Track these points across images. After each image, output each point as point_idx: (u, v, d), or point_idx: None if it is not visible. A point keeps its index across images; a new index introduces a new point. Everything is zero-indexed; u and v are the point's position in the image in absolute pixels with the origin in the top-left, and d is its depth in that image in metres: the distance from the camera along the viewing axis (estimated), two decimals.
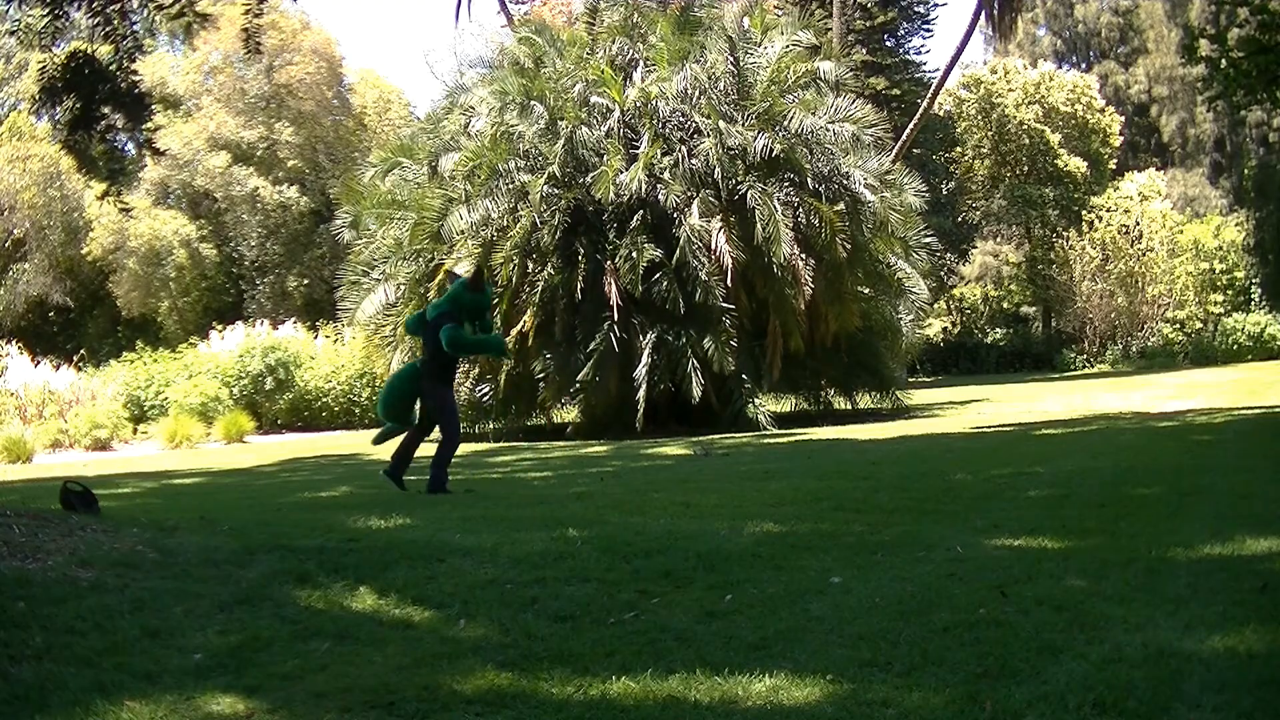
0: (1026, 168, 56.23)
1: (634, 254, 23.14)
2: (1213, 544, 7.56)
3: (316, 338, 34.35)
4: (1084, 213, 53.45)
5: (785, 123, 24.84)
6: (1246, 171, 61.68)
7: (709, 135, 24.15)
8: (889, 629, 5.83)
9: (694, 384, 23.08)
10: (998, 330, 58.16)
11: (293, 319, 37.70)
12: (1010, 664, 5.16)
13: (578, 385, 23.52)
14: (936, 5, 56.23)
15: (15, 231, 48.19)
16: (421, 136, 29.34)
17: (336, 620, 6.28)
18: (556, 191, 23.98)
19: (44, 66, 9.72)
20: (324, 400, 32.02)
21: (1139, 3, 75.91)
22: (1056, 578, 6.82)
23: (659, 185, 23.81)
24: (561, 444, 22.40)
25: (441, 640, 5.92)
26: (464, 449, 22.27)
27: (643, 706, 4.86)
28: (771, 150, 24.08)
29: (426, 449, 13.05)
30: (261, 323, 35.47)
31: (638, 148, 24.42)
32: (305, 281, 46.77)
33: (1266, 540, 7.61)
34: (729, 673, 5.16)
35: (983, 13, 40.59)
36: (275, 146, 47.69)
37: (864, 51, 47.38)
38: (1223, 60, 17.31)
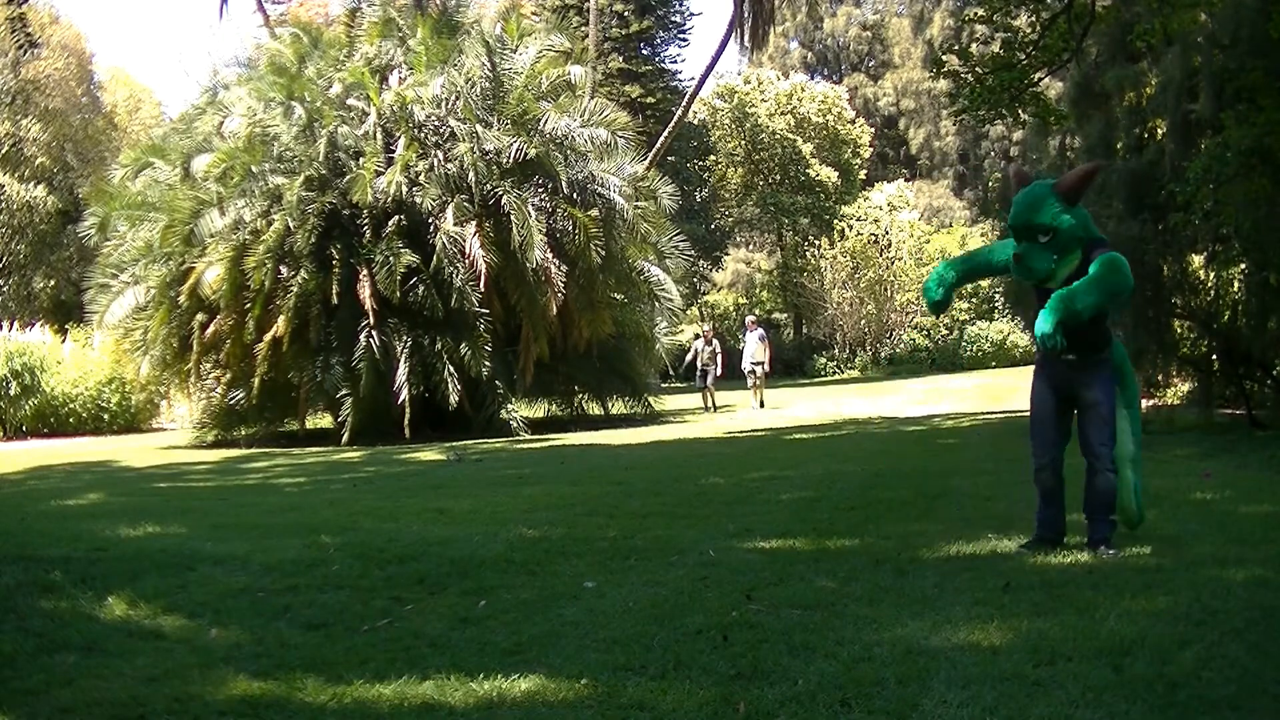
0: (779, 176, 57.19)
1: (390, 259, 23.09)
2: (958, 545, 7.88)
3: (64, 341, 33.38)
4: (835, 221, 54.54)
5: (539, 126, 25.05)
6: (990, 184, 63.85)
7: (465, 139, 24.22)
8: (642, 633, 5.91)
9: (450, 390, 23.17)
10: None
11: (40, 321, 36.54)
12: (763, 666, 5.24)
13: (333, 391, 23.38)
14: (692, 15, 57.22)
15: None
16: (174, 137, 28.65)
17: (84, 632, 6.11)
18: (311, 194, 23.64)
19: None
20: (71, 406, 31.17)
21: (886, 19, 78.13)
22: (808, 580, 6.98)
23: (415, 189, 23.78)
24: (317, 450, 22.12)
25: (193, 650, 5.83)
26: (216, 455, 22.06)
27: (399, 713, 4.86)
28: (525, 154, 24.23)
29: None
30: (10, 327, 34.22)
31: (395, 151, 24.39)
32: (53, 283, 45.47)
33: (1009, 540, 7.95)
34: (484, 678, 5.19)
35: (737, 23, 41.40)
36: (21, 144, 46.29)
37: (620, 59, 47.94)
38: (969, 76, 18.00)
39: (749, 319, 34.77)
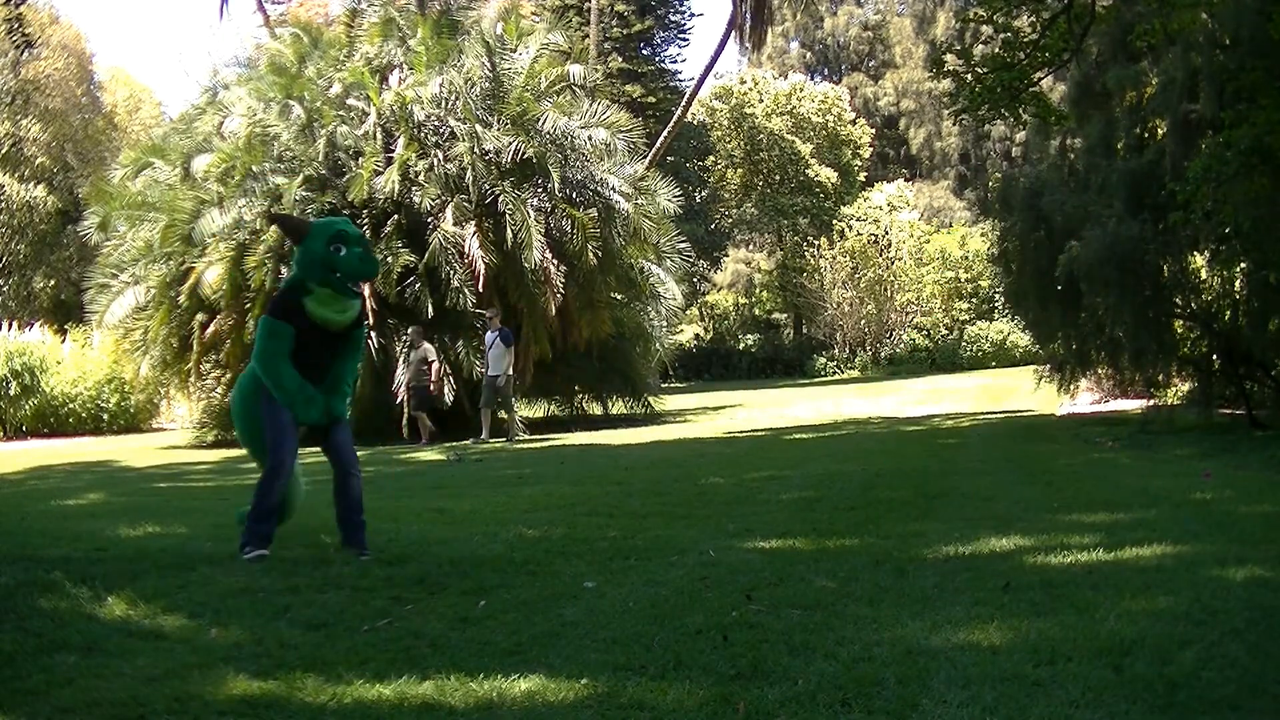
0: (778, 177, 57.29)
1: (389, 258, 23.07)
2: (958, 544, 7.86)
3: (64, 341, 33.36)
4: (834, 221, 54.58)
5: (539, 126, 25.11)
6: (990, 184, 63.71)
7: (464, 139, 24.23)
8: (643, 633, 5.86)
9: (447, 389, 23.18)
10: (749, 337, 59.09)
11: (40, 321, 36.55)
12: (763, 665, 5.19)
13: None
14: (693, 15, 57.24)
15: None
16: (174, 136, 28.67)
17: (84, 632, 5.97)
18: (311, 194, 23.66)
19: None
20: (71, 406, 31.17)
21: (888, 18, 78.08)
22: (807, 580, 6.94)
23: (414, 189, 23.79)
24: (316, 449, 21.97)
25: (193, 650, 5.71)
26: (216, 455, 22.00)
27: (399, 713, 4.80)
28: (524, 154, 24.32)
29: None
30: (10, 327, 34.20)
31: (394, 151, 24.39)
32: (53, 283, 45.52)
33: (1009, 540, 7.96)
34: (484, 678, 5.13)
35: (735, 24, 41.38)
36: (21, 144, 46.33)
37: (620, 59, 47.94)
38: (969, 76, 17.97)
39: (488, 313, 23.16)
